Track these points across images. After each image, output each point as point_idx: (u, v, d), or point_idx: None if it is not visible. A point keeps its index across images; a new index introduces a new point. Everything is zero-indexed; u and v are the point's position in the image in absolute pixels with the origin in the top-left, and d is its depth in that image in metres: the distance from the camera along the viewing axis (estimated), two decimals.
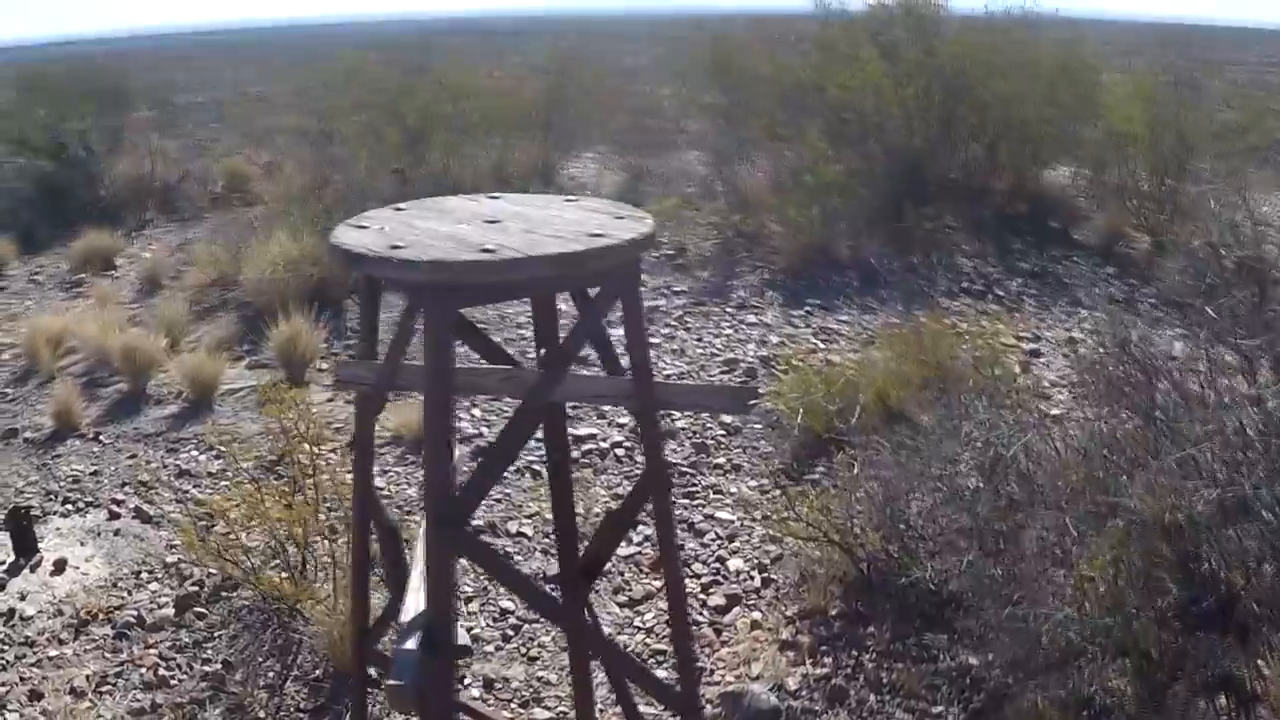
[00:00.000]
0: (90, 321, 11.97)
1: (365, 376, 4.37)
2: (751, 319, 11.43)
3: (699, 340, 11.08)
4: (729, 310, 11.74)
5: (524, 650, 6.83)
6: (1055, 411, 8.07)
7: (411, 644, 3.93)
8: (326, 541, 7.05)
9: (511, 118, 17.79)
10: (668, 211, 14.82)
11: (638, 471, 8.77)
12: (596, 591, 7.30)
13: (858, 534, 6.77)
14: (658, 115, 17.54)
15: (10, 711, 6.42)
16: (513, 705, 6.31)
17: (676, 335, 11.27)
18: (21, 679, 6.71)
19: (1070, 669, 5.47)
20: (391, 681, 3.79)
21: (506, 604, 7.25)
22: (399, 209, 4.23)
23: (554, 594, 4.38)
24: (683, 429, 9.32)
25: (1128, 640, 5.09)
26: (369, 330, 4.35)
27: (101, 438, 9.82)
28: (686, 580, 7.37)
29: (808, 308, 11.42)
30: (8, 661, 6.86)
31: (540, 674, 6.58)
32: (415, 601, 4.12)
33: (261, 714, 6.22)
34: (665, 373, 10.40)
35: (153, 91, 22.63)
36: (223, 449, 8.67)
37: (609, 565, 7.53)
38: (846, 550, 6.72)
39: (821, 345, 10.55)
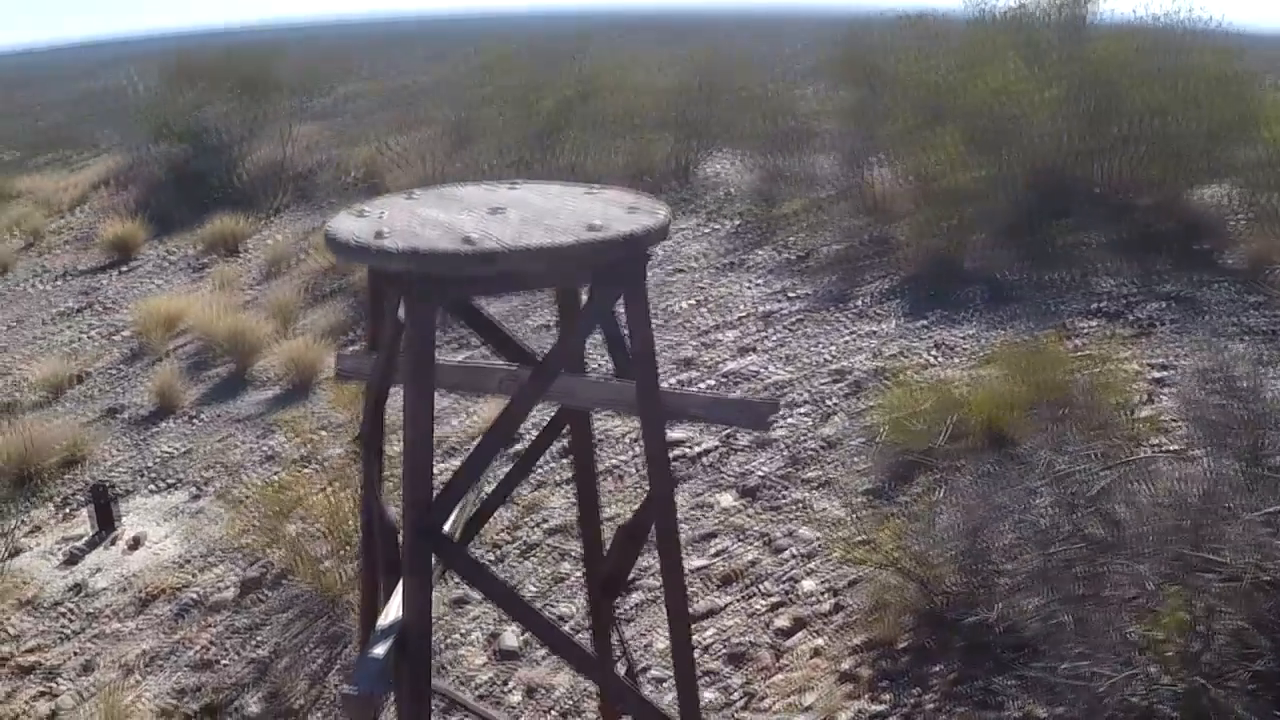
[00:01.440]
0: (204, 304, 12.17)
1: (365, 369, 4.20)
2: (869, 328, 10.96)
3: (812, 348, 10.66)
4: (847, 318, 11.29)
5: None
6: (1174, 447, 7.44)
7: (379, 650, 3.73)
8: None
9: (649, 114, 17.55)
10: (798, 213, 14.45)
11: (725, 480, 8.46)
12: (658, 603, 7.03)
13: (934, 565, 6.33)
14: (795, 115, 17.06)
15: (62, 682, 6.47)
16: (551, 714, 6.07)
17: (789, 342, 10.88)
18: (78, 651, 6.77)
19: None
20: (345, 689, 3.59)
21: (564, 609, 7.03)
22: (411, 196, 4.05)
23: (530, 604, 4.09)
24: (779, 438, 8.95)
25: (1202, 707, 4.59)
26: (375, 321, 4.16)
27: (198, 419, 9.93)
28: (754, 598, 7.04)
29: (928, 319, 10.89)
30: (69, 634, 6.93)
31: (585, 685, 6.31)
32: (396, 606, 3.93)
33: (299, 703, 6.12)
34: (771, 379, 10.04)
35: (298, 81, 23.01)
36: (294, 435, 8.67)
37: (657, 581, 7.26)
38: (920, 582, 6.28)
39: (937, 360, 10.03)
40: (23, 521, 8.17)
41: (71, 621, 7.00)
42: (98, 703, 6.05)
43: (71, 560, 7.66)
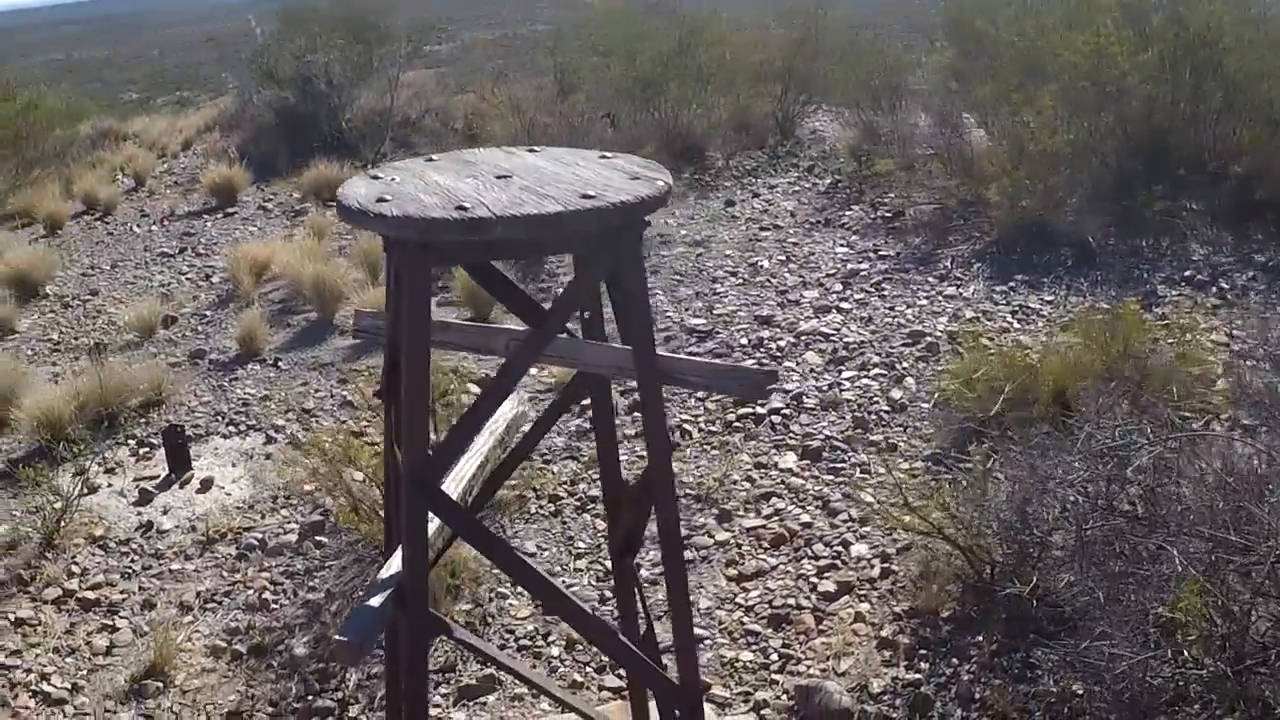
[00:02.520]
0: (294, 251, 12.39)
1: (380, 327, 4.25)
2: (951, 290, 10.76)
3: (890, 309, 10.52)
4: (930, 280, 11.10)
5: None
6: (1248, 421, 7.18)
7: (376, 601, 3.80)
8: None
9: (752, 69, 17.37)
10: (893, 172, 14.22)
11: (789, 441, 8.41)
12: (709, 561, 7.04)
13: (981, 534, 6.22)
14: (896, 73, 16.73)
15: (121, 618, 6.70)
16: (588, 669, 6.13)
17: (869, 302, 10.74)
18: (140, 589, 7.00)
19: (1180, 716, 4.87)
20: (337, 636, 3.68)
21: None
22: (430, 159, 4.10)
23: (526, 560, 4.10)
24: (848, 400, 8.86)
25: (1227, 691, 4.45)
26: (388, 281, 4.20)
27: (280, 364, 10.15)
28: (804, 561, 7.00)
29: (1012, 283, 10.66)
30: (134, 571, 7.18)
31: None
32: (399, 558, 3.99)
33: (334, 667, 6.25)
34: (846, 340, 9.93)
35: (409, 30, 23.19)
36: (370, 383, 8.79)
37: (729, 536, 7.28)
38: (965, 551, 6.18)
39: (1016, 325, 9.82)
40: (101, 461, 8.44)
41: (137, 559, 7.24)
42: (152, 639, 6.22)
43: (143, 500, 7.89)
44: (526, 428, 4.78)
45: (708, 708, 5.68)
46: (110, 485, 8.22)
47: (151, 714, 5.87)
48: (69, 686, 6.11)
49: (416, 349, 3.62)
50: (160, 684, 6.07)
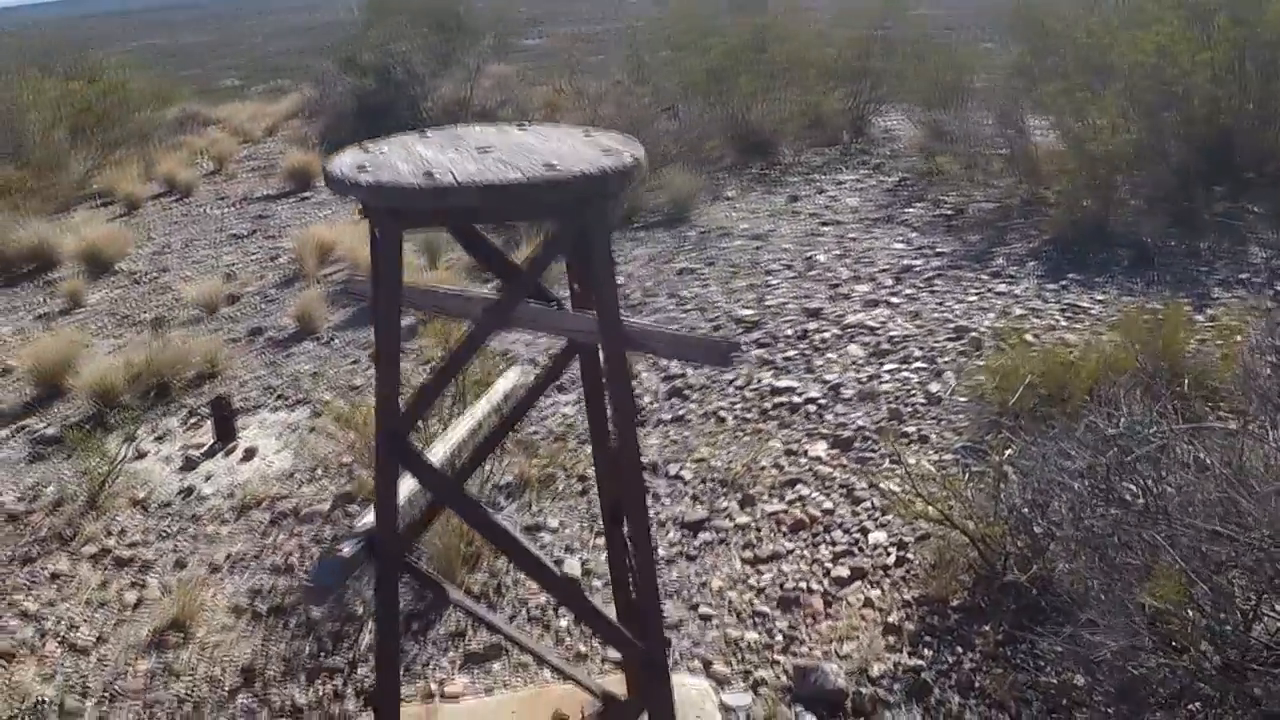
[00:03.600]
0: (359, 235, 12.62)
1: (369, 292, 4.39)
2: (1002, 288, 10.67)
3: (940, 305, 10.46)
4: (983, 277, 11.02)
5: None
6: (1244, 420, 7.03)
7: (346, 549, 3.94)
8: None
9: (824, 65, 17.33)
10: (959, 170, 14.13)
11: (821, 430, 8.42)
12: (726, 544, 7.09)
13: (993, 524, 6.19)
14: (965, 71, 16.58)
15: (152, 575, 6.94)
16: (594, 642, 6.20)
17: (919, 298, 10.70)
18: (174, 549, 7.24)
19: (1179, 712, 4.83)
20: (304, 580, 3.83)
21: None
22: (424, 134, 4.25)
23: (499, 521, 4.20)
24: (885, 392, 8.85)
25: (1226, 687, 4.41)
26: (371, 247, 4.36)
27: (333, 342, 10.38)
28: (821, 546, 7.02)
29: (1064, 282, 10.54)
30: (170, 533, 7.42)
31: (664, 610, 6.42)
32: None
33: (359, 610, 6.41)
34: (891, 334, 9.90)
35: (495, 23, 23.47)
36: (417, 362, 8.96)
37: (749, 520, 7.32)
38: (974, 540, 6.16)
39: (1063, 323, 9.71)
40: (153, 428, 8.71)
41: (175, 522, 7.47)
42: (178, 596, 6.43)
43: (187, 467, 8.14)
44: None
45: (705, 683, 5.76)
46: (158, 452, 8.48)
47: (169, 665, 6.08)
48: (95, 637, 6.36)
49: (388, 308, 3.78)
50: (181, 637, 6.29)
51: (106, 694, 5.90)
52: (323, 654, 6.09)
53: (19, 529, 7.49)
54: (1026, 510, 5.88)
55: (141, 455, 8.38)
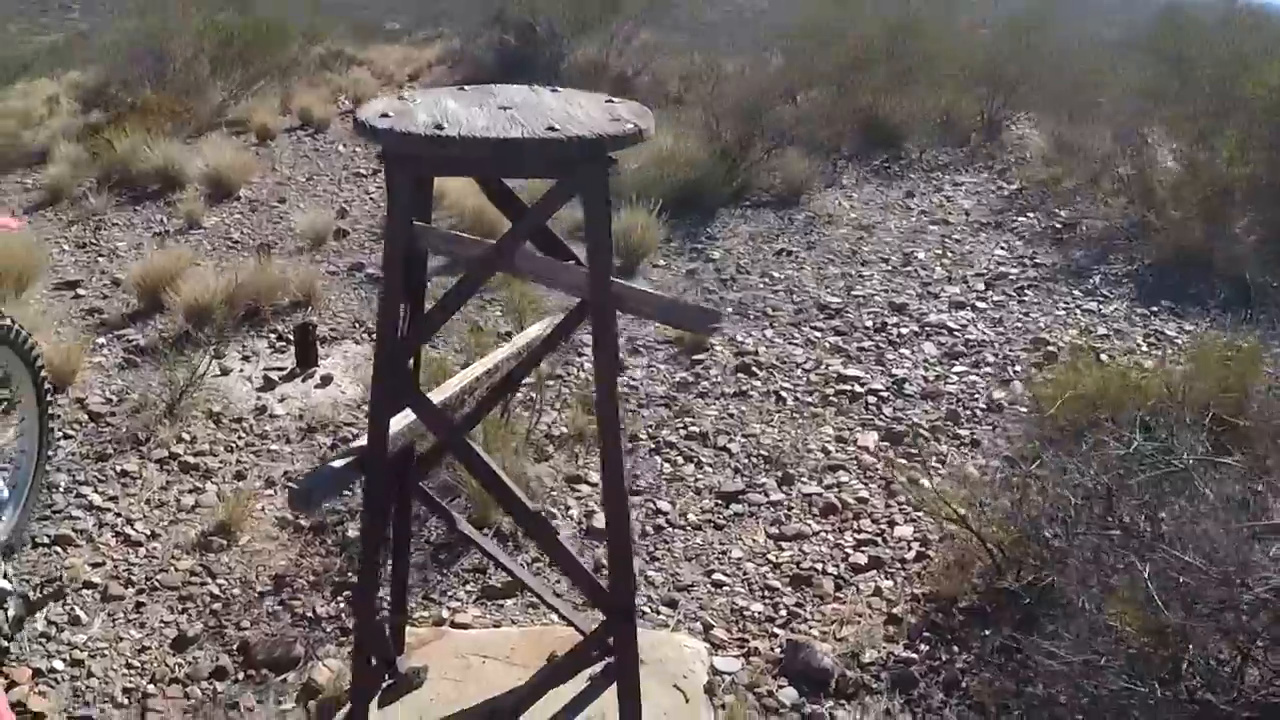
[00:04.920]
0: (470, 184, 12.97)
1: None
2: (1091, 305, 10.58)
3: (1025, 314, 10.43)
4: (1076, 293, 10.92)
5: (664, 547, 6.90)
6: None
7: (338, 463, 4.23)
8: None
9: (959, 65, 17.16)
10: (1081, 185, 13.99)
11: (877, 422, 8.51)
12: (755, 518, 7.25)
13: (1006, 530, 6.24)
14: (1096, 88, 16.27)
15: (213, 483, 7.37)
16: None
17: (1006, 305, 10.67)
18: (237, 461, 7.66)
19: None
20: (289, 484, 4.15)
21: (663, 504, 7.33)
22: (462, 89, 4.50)
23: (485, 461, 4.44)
24: (948, 393, 8.89)
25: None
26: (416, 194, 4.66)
27: (427, 286, 10.72)
28: (846, 532, 7.14)
29: (1156, 308, 10.39)
30: (237, 446, 7.86)
31: (674, 570, 6.66)
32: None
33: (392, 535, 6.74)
34: (969, 337, 9.92)
35: None
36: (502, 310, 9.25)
37: (782, 498, 7.46)
38: (985, 544, 6.22)
39: (1144, 347, 9.60)
40: (242, 348, 9.16)
41: (243, 437, 7.89)
42: (230, 505, 6.84)
43: (265, 387, 8.56)
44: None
45: (701, 645, 5.94)
46: (241, 370, 8.93)
47: (209, 566, 6.49)
48: (148, 533, 6.81)
49: (393, 246, 4.06)
50: (225, 542, 6.69)
51: (147, 585, 6.34)
52: (350, 573, 6.42)
53: (99, 428, 7.99)
54: (1039, 520, 5.93)
55: (225, 372, 8.82)
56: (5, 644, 4.88)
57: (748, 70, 17.02)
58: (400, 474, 5.22)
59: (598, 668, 5.21)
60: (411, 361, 4.66)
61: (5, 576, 5.17)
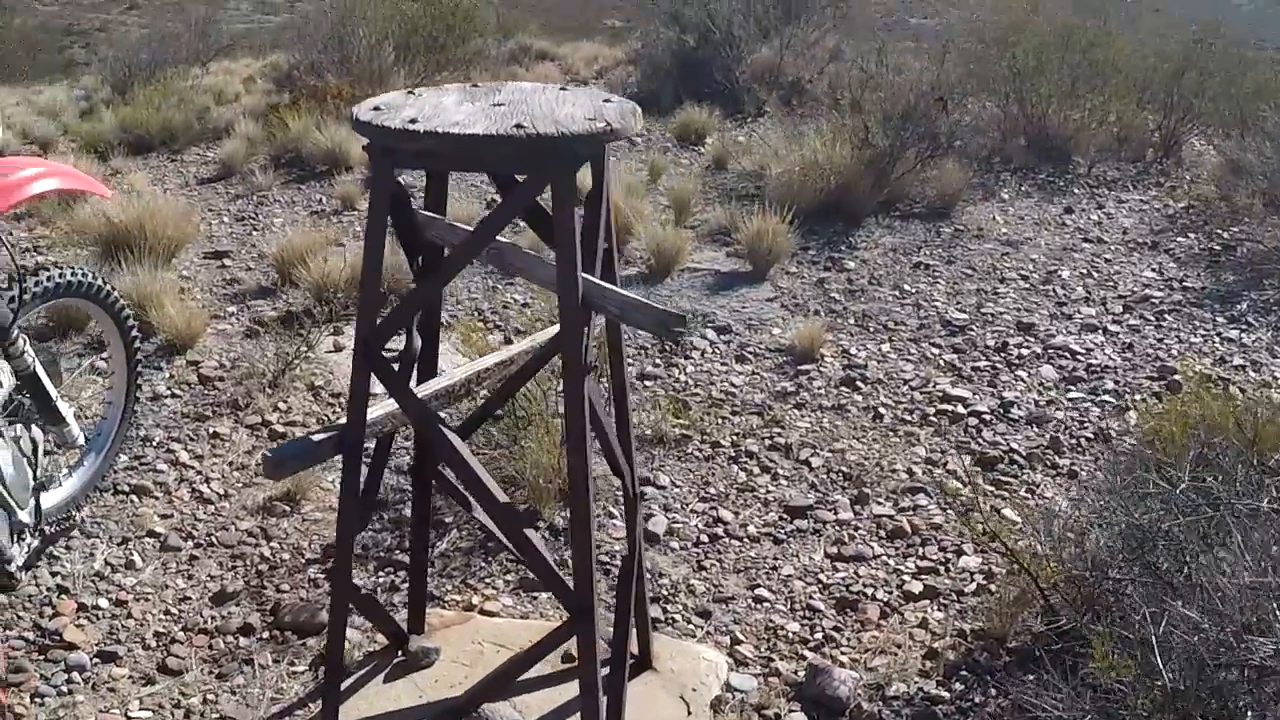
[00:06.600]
0: (619, 185, 13.05)
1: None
2: (1233, 334, 9.96)
3: (1159, 340, 9.89)
4: (1218, 319, 10.30)
5: (707, 548, 6.83)
6: None
7: (318, 436, 4.36)
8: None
9: (1136, 78, 16.39)
10: (1247, 207, 13.23)
11: (973, 446, 8.22)
12: (818, 535, 7.10)
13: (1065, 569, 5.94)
14: (1269, 99, 15.28)
15: None
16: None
17: (1142, 329, 10.15)
18: (325, 433, 7.89)
19: None
20: (266, 452, 4.32)
21: (725, 514, 7.24)
22: (475, 85, 4.59)
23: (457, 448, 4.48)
24: (1056, 420, 8.53)
25: None
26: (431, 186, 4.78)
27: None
28: (908, 559, 6.93)
29: None
30: (327, 418, 8.13)
31: (719, 581, 6.59)
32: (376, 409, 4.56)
33: (448, 519, 6.86)
34: (1092, 362, 9.48)
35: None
36: None
37: (850, 517, 7.28)
38: (1033, 577, 5.93)
39: None
40: None
41: (336, 411, 8.13)
42: (301, 473, 7.03)
43: None
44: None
45: (722, 659, 5.86)
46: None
47: (267, 530, 6.73)
48: (221, 492, 7.10)
49: (374, 235, 4.15)
50: (288, 509, 6.93)
51: (205, 540, 6.62)
52: (395, 550, 6.56)
53: (205, 391, 8.36)
54: (1081, 560, 5.63)
55: (339, 349, 9.10)
56: (19, 578, 5.18)
57: (920, 76, 16.58)
58: (420, 458, 5.33)
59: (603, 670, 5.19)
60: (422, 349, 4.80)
61: (33, 512, 5.47)
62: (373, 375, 4.41)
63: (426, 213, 4.66)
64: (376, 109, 4.04)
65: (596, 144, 3.89)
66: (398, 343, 4.88)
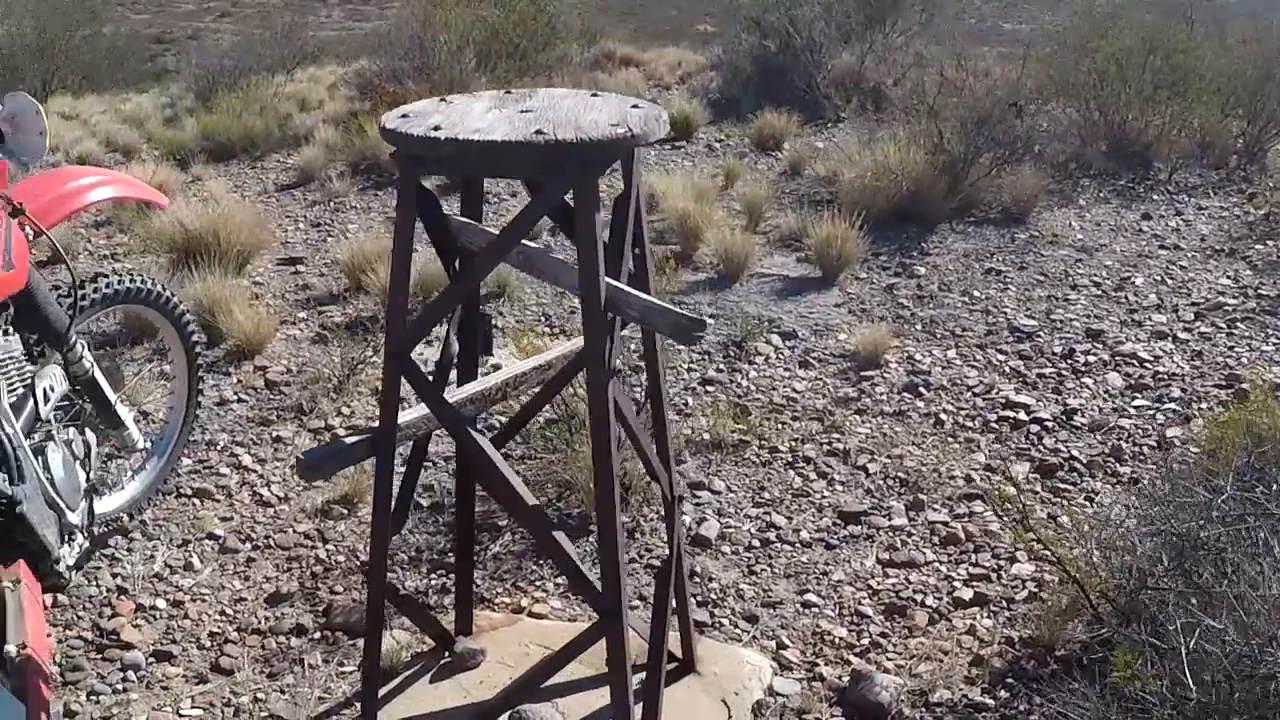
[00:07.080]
0: (688, 189, 13.11)
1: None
2: None
3: (1229, 348, 9.70)
4: None
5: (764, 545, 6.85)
6: None
7: (350, 440, 4.47)
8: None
9: (1218, 83, 16.04)
10: None
11: (1033, 453, 8.13)
12: (871, 540, 7.07)
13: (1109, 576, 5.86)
14: None
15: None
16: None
17: (1213, 337, 9.96)
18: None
19: None
20: (299, 454, 4.44)
21: (778, 518, 7.25)
22: (509, 92, 4.69)
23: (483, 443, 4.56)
24: (1120, 428, 8.41)
25: None
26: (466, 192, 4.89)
27: None
28: (961, 565, 6.88)
29: None
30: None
31: (768, 586, 6.60)
32: (409, 413, 4.68)
33: (502, 523, 6.97)
34: (1159, 369, 9.32)
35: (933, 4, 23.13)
36: None
37: (904, 523, 7.25)
38: (1081, 586, 5.86)
39: None
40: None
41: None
42: (358, 477, 7.20)
43: (435, 372, 8.93)
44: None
45: (766, 663, 5.87)
46: (420, 354, 9.31)
47: (324, 532, 6.89)
48: (281, 495, 7.27)
49: (402, 240, 4.24)
50: (345, 512, 7.07)
51: (263, 543, 6.79)
52: (451, 552, 6.67)
53: (271, 395, 8.57)
54: (1125, 568, 5.55)
55: None
56: (68, 578, 5.35)
57: (997, 81, 16.41)
58: (462, 463, 5.43)
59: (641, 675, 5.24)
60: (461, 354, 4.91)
61: (84, 514, 5.64)
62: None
63: (459, 218, 4.76)
64: (404, 116, 4.14)
65: (618, 149, 3.95)
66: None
